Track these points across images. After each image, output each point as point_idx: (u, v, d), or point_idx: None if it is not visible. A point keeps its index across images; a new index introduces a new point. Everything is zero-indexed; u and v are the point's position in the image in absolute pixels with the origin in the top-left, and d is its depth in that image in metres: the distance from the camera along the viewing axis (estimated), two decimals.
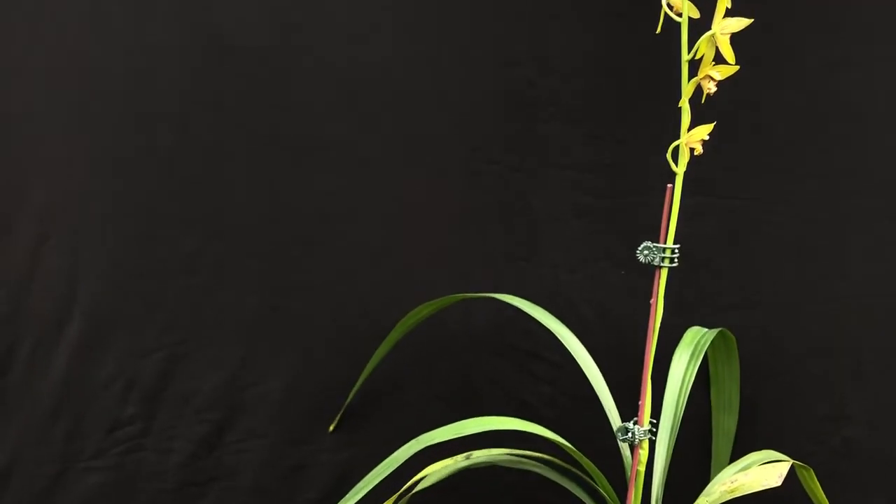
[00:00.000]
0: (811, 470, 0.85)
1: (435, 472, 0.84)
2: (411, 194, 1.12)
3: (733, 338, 1.02)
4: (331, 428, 1.14)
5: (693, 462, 1.09)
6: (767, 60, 1.06)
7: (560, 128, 1.10)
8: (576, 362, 1.08)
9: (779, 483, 0.79)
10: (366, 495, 0.87)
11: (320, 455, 1.15)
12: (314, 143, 1.12)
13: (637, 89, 1.09)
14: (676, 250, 0.79)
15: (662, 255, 0.78)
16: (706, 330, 0.99)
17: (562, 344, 1.10)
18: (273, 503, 1.16)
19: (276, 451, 1.15)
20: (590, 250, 1.11)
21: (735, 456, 1.05)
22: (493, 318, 1.13)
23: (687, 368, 0.93)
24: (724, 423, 1.07)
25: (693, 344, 0.96)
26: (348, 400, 1.13)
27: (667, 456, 0.90)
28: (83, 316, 1.13)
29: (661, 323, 0.85)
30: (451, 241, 1.13)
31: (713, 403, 1.09)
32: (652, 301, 0.81)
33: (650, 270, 1.08)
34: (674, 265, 0.79)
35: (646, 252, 0.79)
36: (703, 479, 1.05)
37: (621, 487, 0.88)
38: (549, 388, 1.13)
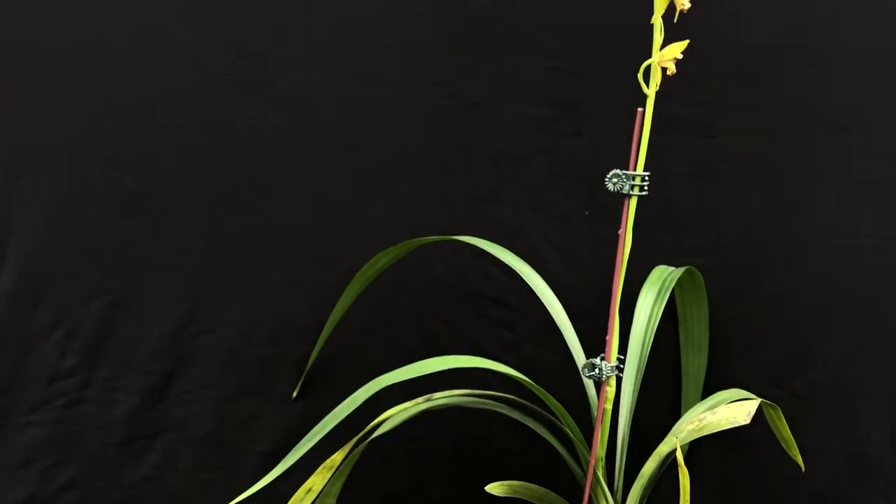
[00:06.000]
0: (778, 408, 0.83)
1: (394, 415, 0.80)
2: (365, 133, 1.07)
3: (701, 276, 0.99)
4: (294, 394, 1.10)
5: (660, 404, 1.06)
6: None
7: (522, 61, 1.05)
8: (537, 306, 1.05)
9: (748, 421, 0.78)
10: (320, 443, 0.83)
11: (273, 405, 1.11)
12: (264, 79, 1.06)
13: (600, 21, 1.04)
14: (647, 178, 0.75)
15: (632, 182, 0.75)
16: (673, 268, 0.96)
17: (522, 288, 1.07)
18: (224, 455, 1.11)
19: (226, 402, 1.10)
20: (552, 190, 1.07)
21: (704, 397, 1.03)
22: (452, 265, 1.08)
23: (654, 306, 0.90)
24: (694, 364, 1.05)
25: (660, 282, 0.93)
26: (308, 366, 1.08)
27: (633, 394, 0.87)
28: (17, 262, 1.06)
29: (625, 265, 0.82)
30: (407, 182, 1.08)
31: (682, 344, 1.06)
32: (620, 232, 0.77)
33: (614, 211, 1.06)
34: (643, 193, 0.75)
35: (614, 180, 0.75)
36: (671, 421, 1.03)
37: (585, 428, 0.85)
38: (509, 334, 1.09)
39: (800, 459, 0.88)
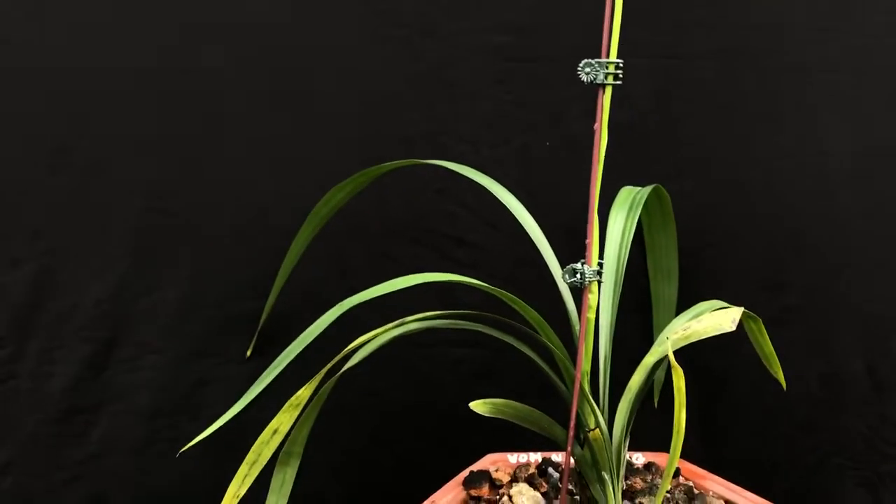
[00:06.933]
0: (760, 321, 0.80)
1: (365, 342, 0.74)
2: (307, 67, 1.00)
3: (668, 197, 0.96)
4: (248, 353, 1.02)
5: (632, 335, 1.03)
6: None
7: None
8: (502, 242, 1.01)
9: (733, 328, 0.74)
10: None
11: (226, 367, 1.03)
12: (201, 14, 0.98)
13: None
14: (621, 65, 0.71)
15: (606, 71, 0.70)
16: (640, 188, 0.93)
17: (486, 225, 1.03)
18: (176, 424, 1.03)
19: (174, 367, 1.03)
20: (511, 122, 1.03)
21: None
22: (411, 203, 1.03)
23: (626, 222, 0.86)
24: (664, 293, 1.01)
25: (629, 200, 0.90)
26: (262, 322, 1.01)
27: (613, 308, 0.83)
28: None
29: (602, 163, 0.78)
30: (358, 120, 1.02)
31: (651, 273, 1.03)
32: (596, 126, 0.73)
33: (574, 143, 1.02)
34: (618, 83, 0.71)
35: (587, 70, 0.71)
36: (645, 346, 0.99)
37: (565, 343, 0.80)
38: (473, 273, 1.04)
39: (781, 376, 0.84)
